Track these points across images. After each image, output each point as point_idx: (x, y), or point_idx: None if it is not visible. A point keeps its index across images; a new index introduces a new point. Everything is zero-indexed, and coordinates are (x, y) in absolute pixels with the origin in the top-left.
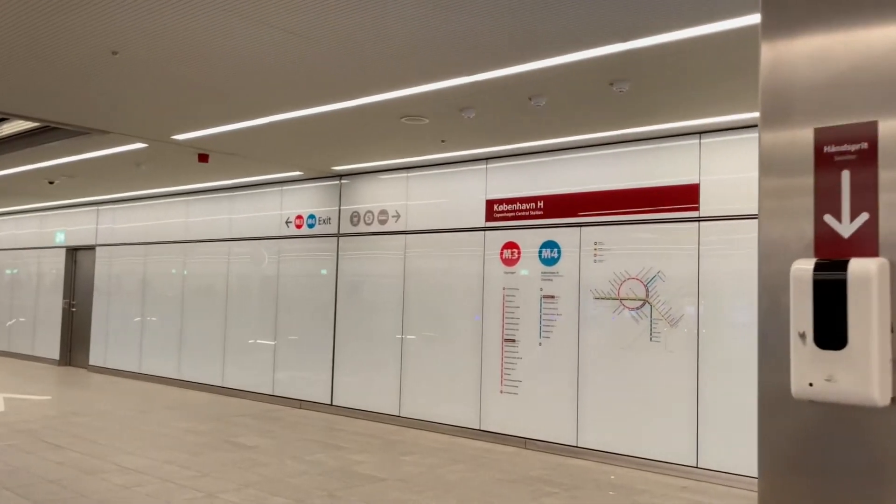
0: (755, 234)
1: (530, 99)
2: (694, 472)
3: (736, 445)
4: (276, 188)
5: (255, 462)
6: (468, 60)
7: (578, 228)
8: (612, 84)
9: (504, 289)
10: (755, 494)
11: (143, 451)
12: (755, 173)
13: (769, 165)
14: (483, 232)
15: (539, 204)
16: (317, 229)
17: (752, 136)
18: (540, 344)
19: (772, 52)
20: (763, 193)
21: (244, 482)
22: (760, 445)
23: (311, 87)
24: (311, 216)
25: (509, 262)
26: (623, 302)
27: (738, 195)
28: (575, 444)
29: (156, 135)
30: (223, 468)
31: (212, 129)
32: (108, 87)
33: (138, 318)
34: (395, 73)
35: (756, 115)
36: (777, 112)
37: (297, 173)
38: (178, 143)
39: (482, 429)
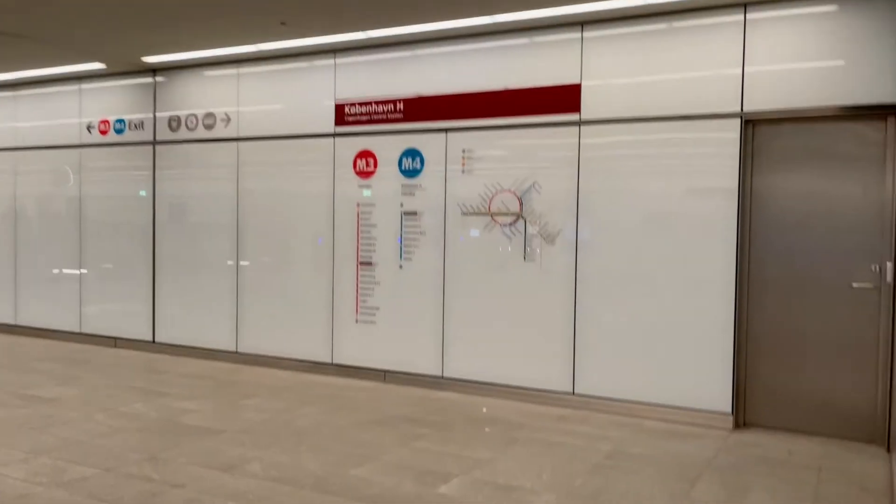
0: (641, 140)
1: None
2: (570, 399)
3: (614, 369)
4: (73, 86)
5: (53, 420)
6: None
7: (444, 134)
8: None
9: (358, 205)
10: (636, 421)
11: None
12: (644, 73)
13: None
14: (332, 138)
15: (398, 106)
16: (127, 136)
17: (640, 29)
18: (401, 266)
19: None
20: None
21: (36, 448)
22: None
23: None
24: (120, 121)
25: (364, 173)
26: (495, 217)
27: (623, 96)
28: (440, 375)
29: None
30: (10, 431)
31: None
32: None
33: None
34: None
35: (646, 2)
36: None
37: (99, 66)
38: None
39: (335, 363)
